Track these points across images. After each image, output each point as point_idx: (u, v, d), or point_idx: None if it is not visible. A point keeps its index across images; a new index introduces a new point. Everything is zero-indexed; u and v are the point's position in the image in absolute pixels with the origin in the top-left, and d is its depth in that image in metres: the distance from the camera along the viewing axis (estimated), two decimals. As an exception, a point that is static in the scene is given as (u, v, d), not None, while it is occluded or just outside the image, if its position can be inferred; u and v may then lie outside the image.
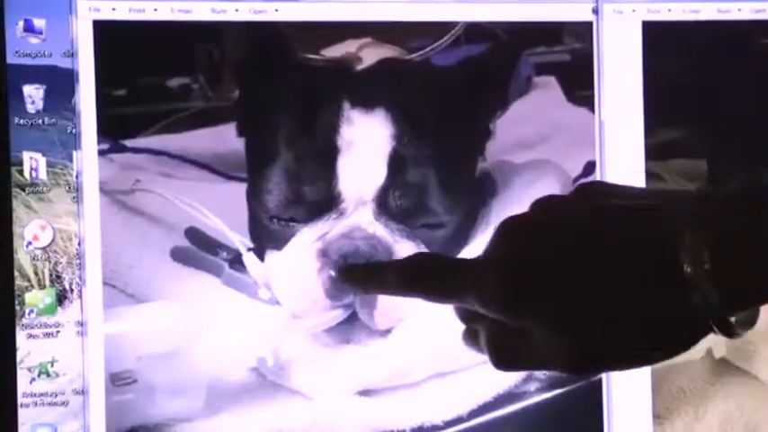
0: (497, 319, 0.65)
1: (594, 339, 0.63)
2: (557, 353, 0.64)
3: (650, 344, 0.64)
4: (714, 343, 1.11)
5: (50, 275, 0.96)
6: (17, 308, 0.96)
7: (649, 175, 1.08)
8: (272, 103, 1.02)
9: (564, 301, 0.63)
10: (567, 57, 1.07)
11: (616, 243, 0.64)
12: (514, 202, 1.05)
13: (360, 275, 0.70)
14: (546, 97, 1.07)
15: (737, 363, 1.11)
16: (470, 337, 0.69)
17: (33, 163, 0.96)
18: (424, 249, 1.02)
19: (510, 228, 0.67)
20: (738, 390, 1.11)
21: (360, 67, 1.02)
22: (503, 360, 0.66)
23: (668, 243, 0.62)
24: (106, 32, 0.97)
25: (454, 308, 0.69)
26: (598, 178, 1.07)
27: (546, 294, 0.64)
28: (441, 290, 0.67)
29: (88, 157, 0.97)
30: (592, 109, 1.06)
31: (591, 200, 0.67)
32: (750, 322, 0.65)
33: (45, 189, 0.97)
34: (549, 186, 1.06)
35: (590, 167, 1.07)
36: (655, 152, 1.08)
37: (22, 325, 0.96)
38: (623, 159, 1.07)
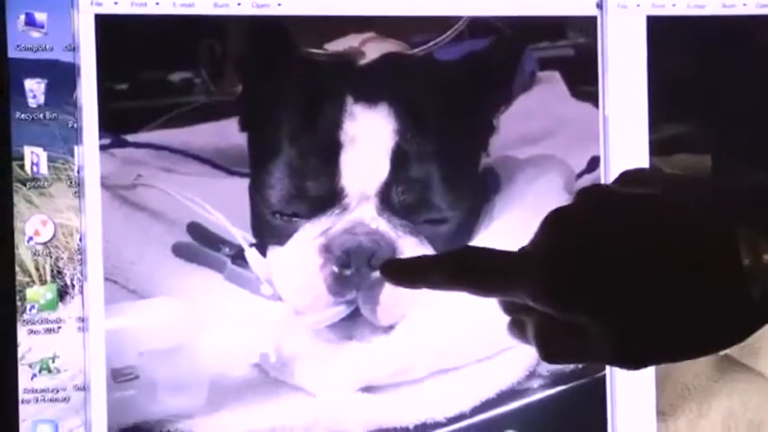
0: (546, 311, 0.64)
1: (649, 333, 0.62)
2: (610, 346, 0.63)
3: (706, 336, 0.63)
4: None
5: (52, 271, 0.96)
6: (18, 303, 0.96)
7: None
8: (275, 97, 1.02)
9: (617, 294, 0.62)
10: (571, 51, 1.06)
11: (670, 234, 0.63)
12: (518, 197, 1.06)
13: (403, 270, 0.69)
14: (550, 92, 1.06)
15: (742, 359, 1.11)
16: (517, 329, 0.67)
17: (34, 158, 0.96)
18: (427, 245, 1.02)
19: (558, 220, 0.65)
20: (743, 386, 1.11)
21: (363, 61, 1.02)
22: (552, 353, 0.65)
23: (725, 234, 0.61)
24: (108, 26, 0.97)
25: (498, 300, 0.68)
26: (602, 174, 1.07)
27: (599, 288, 0.63)
28: (488, 284, 0.66)
29: (89, 152, 0.97)
30: (596, 104, 1.06)
31: (637, 188, 0.66)
32: None
33: (46, 184, 0.96)
34: (553, 182, 1.06)
35: (594, 163, 1.07)
36: (659, 147, 1.08)
37: (23, 321, 0.96)
38: (627, 155, 1.07)
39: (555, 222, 0.65)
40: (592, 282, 0.63)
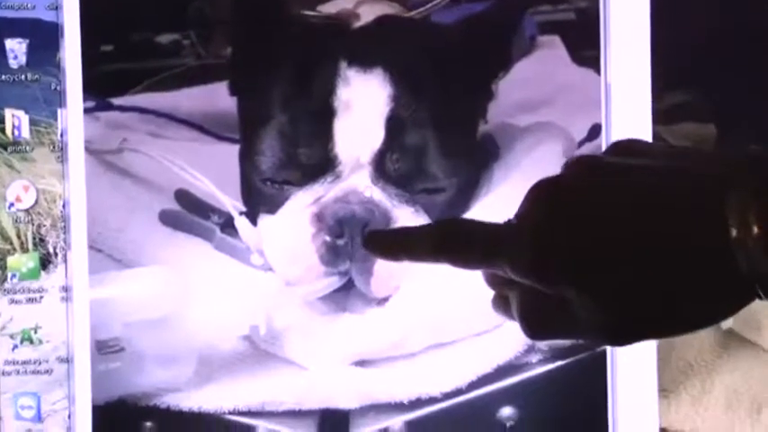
0: (531, 285, 0.62)
1: (637, 306, 0.61)
2: (597, 321, 0.62)
3: (694, 310, 0.62)
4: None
5: (34, 238, 0.96)
6: (-1, 272, 0.96)
7: (656, 139, 1.07)
8: (266, 61, 1.01)
9: (604, 266, 0.61)
10: (573, 15, 1.06)
11: (657, 205, 0.62)
12: (517, 166, 1.05)
13: (384, 242, 0.68)
14: (550, 58, 1.06)
15: (745, 334, 1.11)
16: (501, 305, 0.66)
17: (16, 121, 0.95)
18: (423, 215, 1.02)
19: (544, 190, 0.64)
20: (746, 362, 1.10)
21: (357, 24, 1.02)
22: (537, 329, 0.64)
23: (713, 205, 0.60)
24: (93, -15, 0.97)
25: (483, 273, 0.66)
26: (603, 142, 1.06)
27: (585, 260, 0.62)
28: (472, 255, 0.64)
29: (73, 116, 0.96)
30: (597, 70, 1.05)
31: (628, 159, 0.64)
32: None
33: (28, 148, 0.96)
34: (553, 150, 1.05)
35: (595, 131, 1.06)
36: (663, 116, 1.08)
37: (4, 290, 0.96)
38: (630, 123, 1.06)
39: (541, 192, 0.64)
40: (578, 254, 0.62)
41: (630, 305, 0.61)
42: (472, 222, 0.67)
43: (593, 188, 0.63)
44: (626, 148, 0.66)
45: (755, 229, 0.59)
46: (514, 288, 0.64)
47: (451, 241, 0.65)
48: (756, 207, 0.59)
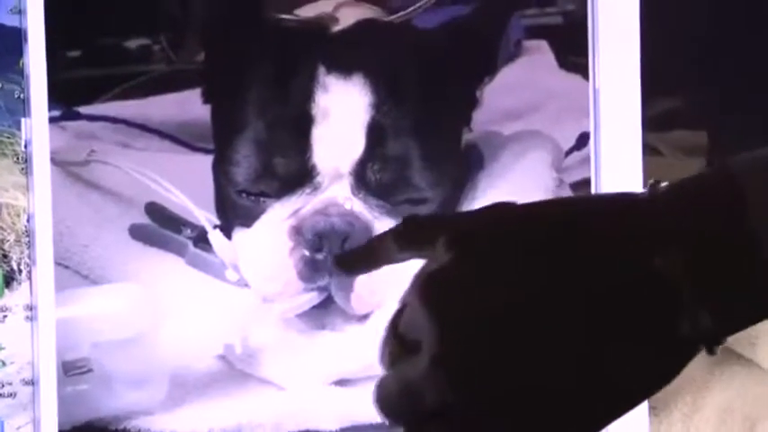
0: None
1: (573, 406, 0.57)
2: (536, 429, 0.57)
3: (638, 382, 0.58)
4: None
5: None
6: (-40, 290, 0.96)
7: (646, 148, 1.06)
8: (241, 67, 1.01)
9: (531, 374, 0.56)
10: (560, 19, 1.06)
11: (577, 284, 0.56)
12: (503, 176, 1.05)
13: (354, 258, 0.65)
14: (537, 63, 1.06)
15: (739, 350, 1.09)
16: None
17: None
18: None
19: (431, 287, 0.58)
20: (739, 379, 1.09)
21: (336, 28, 1.01)
22: None
23: (635, 265, 0.56)
24: (58, -13, 0.97)
25: (392, 411, 0.61)
26: (592, 151, 1.05)
27: (506, 372, 0.56)
28: (429, 240, 0.61)
29: (38, 125, 0.95)
30: (586, 76, 1.05)
31: (528, 233, 0.58)
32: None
33: None
34: (540, 159, 1.05)
35: (583, 139, 1.05)
36: (653, 123, 1.06)
37: None
38: (619, 131, 1.05)
39: (437, 303, 0.57)
40: (503, 367, 0.56)
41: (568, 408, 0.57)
42: (429, 215, 0.62)
43: (488, 281, 0.57)
44: (502, 218, 0.60)
45: (690, 286, 0.56)
46: (432, 424, 0.58)
47: (413, 231, 0.62)
48: (685, 261, 0.56)
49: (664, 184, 0.57)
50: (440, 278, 0.57)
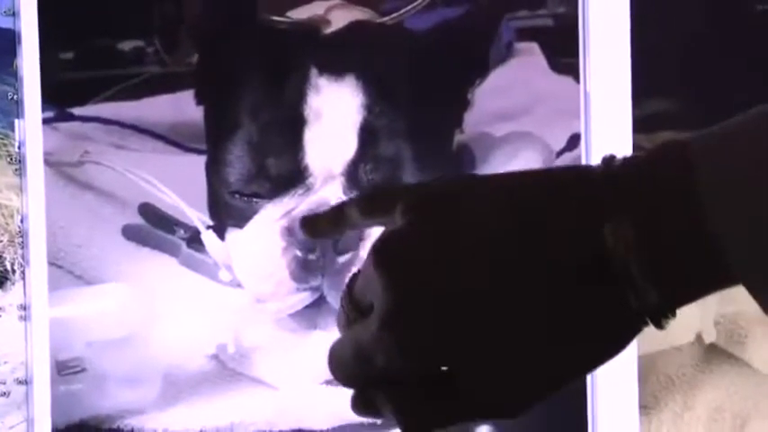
0: (401, 377, 0.58)
1: (525, 371, 0.56)
2: (486, 397, 0.57)
3: (587, 351, 0.57)
4: (704, 328, 1.09)
5: None
6: (-46, 290, 0.95)
7: (636, 149, 1.06)
8: (234, 68, 1.01)
9: (483, 336, 0.56)
10: (551, 21, 1.06)
11: (530, 255, 0.56)
12: None
13: (319, 220, 0.65)
14: (528, 65, 1.06)
15: (728, 348, 1.10)
16: (364, 406, 0.61)
17: None
18: None
19: (384, 250, 0.58)
20: (729, 377, 1.10)
21: (328, 30, 1.02)
22: (422, 424, 0.58)
23: (584, 237, 0.56)
24: (52, -10, 0.96)
25: (343, 374, 0.60)
26: (583, 152, 1.05)
27: (460, 335, 0.56)
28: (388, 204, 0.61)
29: (32, 126, 0.96)
30: (576, 78, 1.05)
31: (471, 202, 0.58)
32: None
33: None
34: (531, 160, 1.05)
35: (574, 140, 1.06)
36: (643, 124, 1.07)
37: None
38: (610, 132, 1.06)
39: (389, 266, 0.57)
40: (451, 331, 0.56)
41: (519, 372, 0.56)
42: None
43: (445, 248, 0.57)
44: (463, 184, 0.60)
45: (635, 260, 0.55)
46: (380, 386, 0.59)
47: (374, 197, 0.63)
48: (633, 234, 0.55)
49: (619, 157, 0.57)
50: (393, 242, 0.57)
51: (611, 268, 0.55)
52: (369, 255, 0.57)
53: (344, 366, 0.58)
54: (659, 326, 0.56)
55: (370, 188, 0.63)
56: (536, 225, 0.56)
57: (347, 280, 0.59)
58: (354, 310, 0.58)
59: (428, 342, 0.56)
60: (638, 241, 0.55)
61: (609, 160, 0.56)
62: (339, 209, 0.63)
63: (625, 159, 0.56)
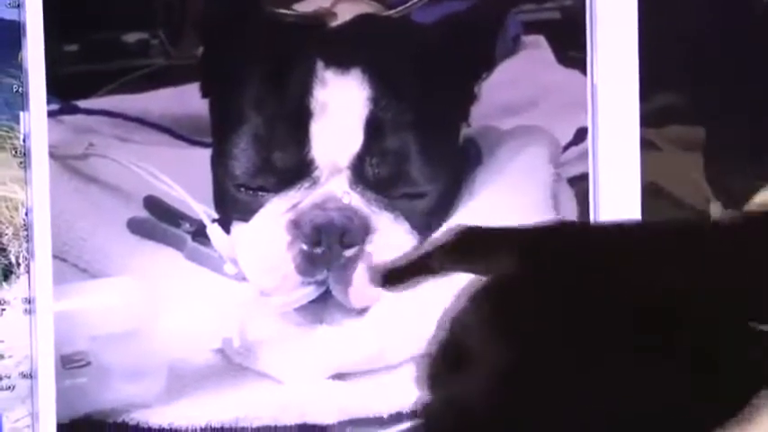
0: None
1: None
2: None
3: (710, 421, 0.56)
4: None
5: None
6: (-42, 283, 0.96)
7: (644, 143, 1.06)
8: (239, 61, 1.01)
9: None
10: (558, 14, 1.06)
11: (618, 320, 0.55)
12: (500, 171, 1.05)
13: (403, 273, 0.62)
14: (534, 58, 1.06)
15: None
16: None
17: None
18: (403, 221, 1.01)
19: (502, 299, 0.56)
20: None
21: (334, 23, 1.01)
22: None
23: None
24: (56, -19, 0.96)
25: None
26: (590, 146, 1.05)
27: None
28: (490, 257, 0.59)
29: (36, 119, 0.95)
30: (584, 71, 1.05)
31: (574, 251, 0.56)
32: None
33: None
34: (538, 154, 1.05)
35: (581, 134, 1.05)
36: (651, 118, 1.06)
37: None
38: (617, 125, 1.05)
39: (511, 316, 0.56)
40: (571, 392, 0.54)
41: None
42: (486, 227, 0.60)
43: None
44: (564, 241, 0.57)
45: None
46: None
47: (471, 248, 0.59)
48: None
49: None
50: (513, 291, 0.55)
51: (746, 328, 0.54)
52: (475, 302, 0.55)
53: (445, 426, 0.55)
54: None
55: (459, 231, 0.59)
56: (645, 283, 0.54)
57: (434, 338, 0.57)
58: (448, 362, 0.56)
59: (548, 393, 0.54)
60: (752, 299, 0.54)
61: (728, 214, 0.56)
62: (425, 257, 0.60)
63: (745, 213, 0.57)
